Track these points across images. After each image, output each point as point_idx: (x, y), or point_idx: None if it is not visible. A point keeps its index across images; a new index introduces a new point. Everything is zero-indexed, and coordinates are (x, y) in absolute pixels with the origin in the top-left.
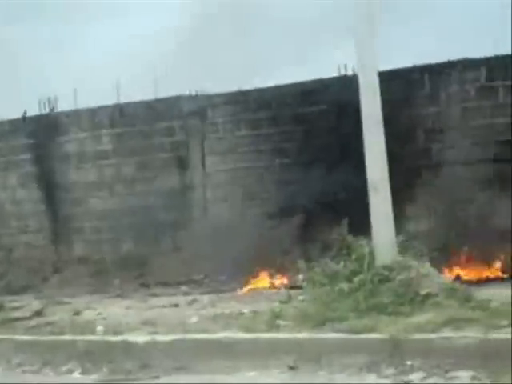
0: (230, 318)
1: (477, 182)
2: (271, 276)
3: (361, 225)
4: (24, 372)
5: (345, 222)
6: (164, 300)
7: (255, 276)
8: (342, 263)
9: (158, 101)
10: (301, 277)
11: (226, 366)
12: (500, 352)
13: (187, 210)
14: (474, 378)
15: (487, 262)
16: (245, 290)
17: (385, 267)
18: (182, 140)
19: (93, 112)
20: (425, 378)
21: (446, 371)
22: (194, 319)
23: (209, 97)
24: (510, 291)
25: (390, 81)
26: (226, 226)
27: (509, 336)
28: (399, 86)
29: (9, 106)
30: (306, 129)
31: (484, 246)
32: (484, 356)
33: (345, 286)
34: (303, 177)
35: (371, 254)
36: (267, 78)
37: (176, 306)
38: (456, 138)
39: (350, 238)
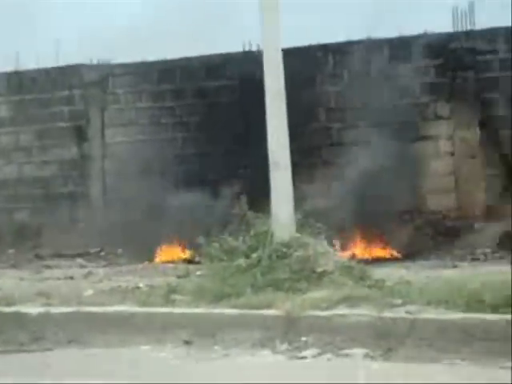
0: (125, 292)
1: (377, 162)
2: (169, 250)
3: (261, 201)
4: None
5: (244, 197)
6: (59, 272)
7: (153, 250)
8: (240, 239)
9: (58, 69)
10: (198, 252)
11: (120, 339)
12: (393, 330)
13: (85, 182)
14: (366, 355)
15: (383, 242)
16: (142, 263)
17: (283, 244)
18: (82, 110)
19: None
20: (319, 354)
21: (340, 348)
22: (89, 292)
23: (110, 66)
24: (404, 271)
25: (294, 58)
26: (125, 198)
27: (402, 315)
28: (303, 63)
29: None
30: (210, 103)
31: (381, 226)
32: (377, 334)
33: (243, 261)
34: (205, 151)
35: (270, 230)
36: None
37: (71, 278)
38: (357, 117)
39: (249, 214)
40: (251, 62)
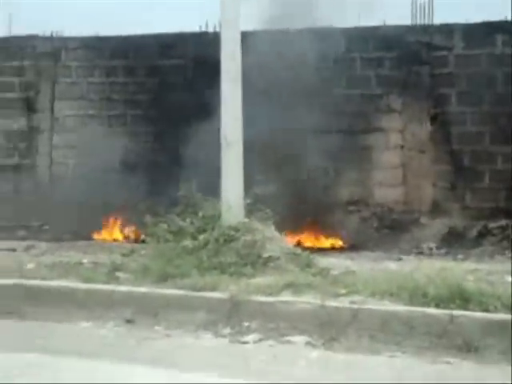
0: (68, 267)
1: (326, 152)
2: (115, 228)
3: (210, 184)
4: None
5: (193, 179)
6: (0, 244)
7: (98, 227)
8: (188, 220)
9: (10, 39)
10: (144, 232)
11: (60, 314)
12: (336, 320)
13: (32, 154)
14: (308, 343)
15: (330, 232)
16: (86, 240)
17: (231, 228)
18: (33, 81)
19: None
20: (260, 340)
21: (282, 335)
22: (31, 265)
23: (64, 39)
24: (349, 261)
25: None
26: (72, 173)
27: (346, 304)
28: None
29: None
30: (162, 81)
31: (327, 216)
32: (320, 322)
33: (189, 243)
34: (155, 130)
35: (218, 213)
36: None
37: (13, 250)
38: (312, 105)
39: (198, 195)
40: (207, 42)
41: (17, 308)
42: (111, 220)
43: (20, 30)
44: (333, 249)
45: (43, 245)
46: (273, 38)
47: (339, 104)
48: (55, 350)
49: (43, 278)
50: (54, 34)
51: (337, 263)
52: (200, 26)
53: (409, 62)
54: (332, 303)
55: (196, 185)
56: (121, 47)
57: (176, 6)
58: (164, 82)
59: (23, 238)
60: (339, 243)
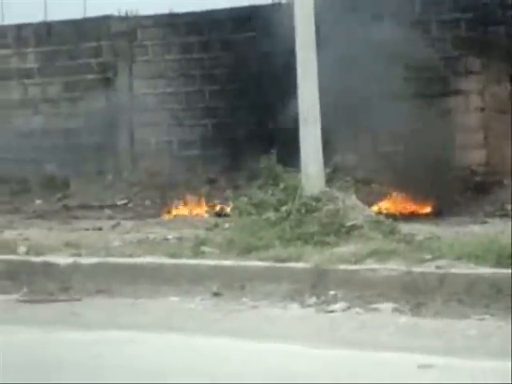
0: (154, 243)
1: (406, 116)
2: (198, 203)
3: (290, 155)
4: None
5: (274, 151)
6: (87, 223)
7: (181, 202)
8: (269, 192)
9: (86, 20)
10: (227, 205)
11: (148, 290)
12: (422, 285)
13: (113, 133)
14: (395, 309)
15: (412, 197)
16: (170, 216)
17: (312, 198)
18: (110, 61)
19: (19, 28)
20: (347, 308)
21: (369, 302)
22: (118, 243)
23: (139, 18)
24: (433, 226)
25: None
26: (152, 150)
27: (432, 269)
28: None
29: None
30: (238, 55)
31: (409, 181)
32: (407, 288)
33: (271, 215)
34: (232, 104)
35: (299, 184)
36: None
37: (99, 229)
38: (386, 70)
39: (278, 167)
40: (279, 14)
41: (106, 286)
42: (194, 195)
43: (95, 11)
44: (416, 214)
45: (129, 222)
46: (345, 2)
47: (417, 68)
48: (147, 325)
49: (130, 256)
50: (129, 14)
51: (420, 229)
52: None
53: (484, 22)
54: (418, 269)
55: (276, 157)
56: (195, 23)
57: None
58: (239, 56)
59: (109, 217)
60: (422, 209)
